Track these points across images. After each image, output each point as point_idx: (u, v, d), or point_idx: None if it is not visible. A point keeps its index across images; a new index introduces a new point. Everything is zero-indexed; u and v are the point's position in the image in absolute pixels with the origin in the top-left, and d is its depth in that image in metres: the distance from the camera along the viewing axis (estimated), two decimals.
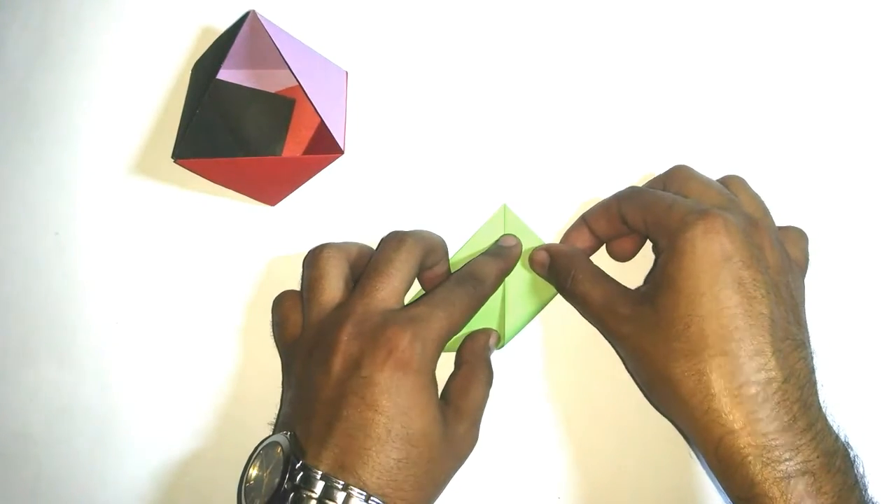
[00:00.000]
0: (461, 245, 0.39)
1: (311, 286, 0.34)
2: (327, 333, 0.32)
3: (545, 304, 0.38)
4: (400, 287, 0.33)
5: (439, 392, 0.33)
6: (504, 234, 0.39)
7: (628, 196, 0.35)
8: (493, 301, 0.38)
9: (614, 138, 0.41)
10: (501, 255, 0.37)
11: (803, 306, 0.33)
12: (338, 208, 0.41)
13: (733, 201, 0.33)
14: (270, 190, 0.41)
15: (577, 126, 0.41)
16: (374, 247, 0.37)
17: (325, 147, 0.40)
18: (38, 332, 0.42)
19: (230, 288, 0.41)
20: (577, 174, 0.40)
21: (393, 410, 0.30)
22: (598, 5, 0.42)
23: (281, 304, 0.37)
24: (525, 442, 0.38)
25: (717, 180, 0.35)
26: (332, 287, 0.34)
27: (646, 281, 0.36)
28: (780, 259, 0.31)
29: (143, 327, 0.41)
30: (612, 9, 0.42)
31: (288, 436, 0.31)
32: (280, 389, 0.37)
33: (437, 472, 0.31)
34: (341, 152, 0.39)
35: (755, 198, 0.34)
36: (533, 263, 0.38)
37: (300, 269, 0.40)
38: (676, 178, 0.35)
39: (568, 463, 0.37)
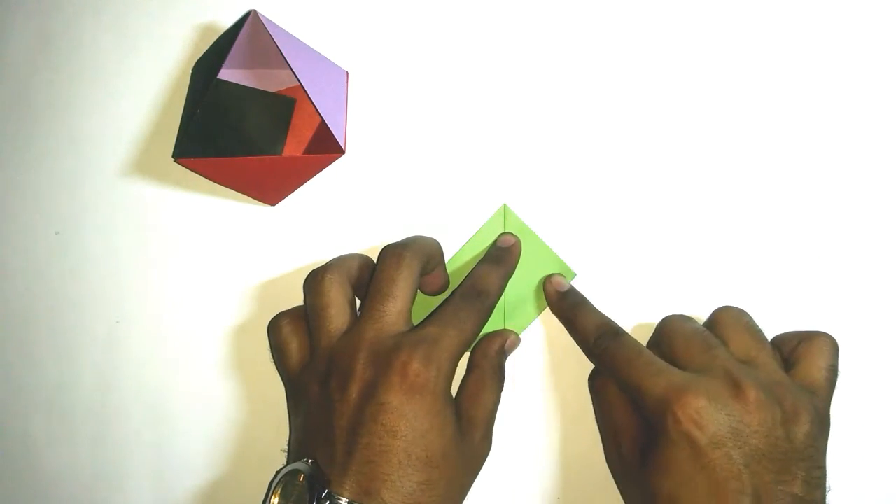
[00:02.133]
0: (461, 245, 0.39)
1: (317, 314, 0.34)
2: (341, 361, 0.32)
3: (546, 307, 0.38)
4: (406, 306, 0.33)
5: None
6: (502, 234, 0.39)
7: (610, 358, 0.34)
8: None
9: (614, 138, 0.41)
10: (502, 261, 0.37)
11: (818, 441, 0.30)
12: (338, 208, 0.41)
13: (716, 359, 0.31)
14: (271, 189, 0.41)
15: (577, 126, 0.41)
16: (372, 253, 0.37)
17: (325, 147, 0.40)
18: (38, 332, 0.42)
19: (230, 288, 0.41)
20: (577, 174, 0.40)
21: (412, 435, 0.30)
22: (597, 5, 0.42)
23: (278, 329, 0.36)
24: (525, 442, 0.38)
25: (709, 319, 0.35)
26: (340, 314, 0.33)
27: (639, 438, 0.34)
28: (768, 418, 0.30)
29: (143, 327, 0.41)
30: (612, 9, 0.42)
31: (310, 463, 0.30)
32: (284, 405, 0.37)
33: (458, 489, 0.32)
34: (342, 152, 0.39)
35: (746, 337, 0.33)
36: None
37: (300, 270, 0.40)
38: (664, 335, 0.35)
39: (568, 463, 0.37)
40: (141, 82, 0.44)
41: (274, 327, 0.36)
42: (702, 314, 0.38)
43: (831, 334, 0.34)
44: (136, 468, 0.40)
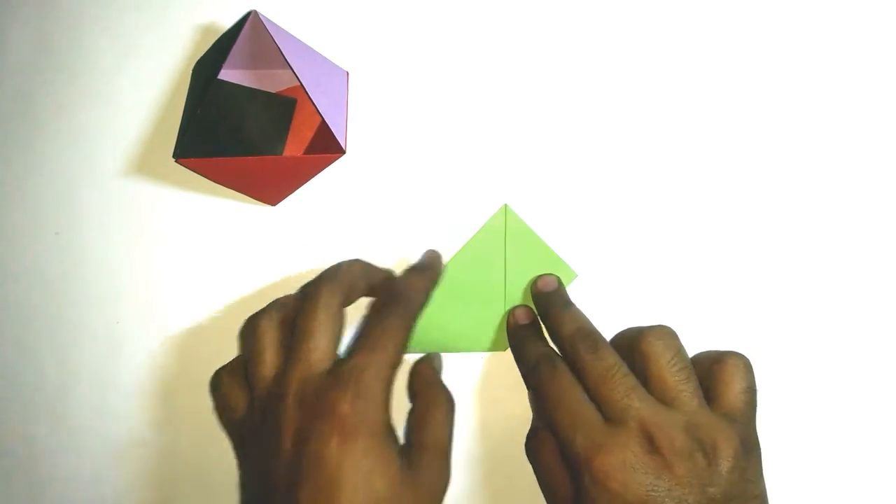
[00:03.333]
0: (462, 245, 0.39)
1: (252, 361, 0.32)
2: (270, 412, 0.30)
3: None
4: (330, 343, 0.31)
5: (400, 434, 0.32)
6: (427, 251, 0.38)
7: (543, 390, 0.33)
8: (494, 307, 0.38)
9: (615, 139, 0.41)
10: (427, 268, 0.36)
11: (748, 471, 0.30)
12: (339, 208, 0.41)
13: (630, 408, 0.30)
14: (271, 190, 0.41)
15: (577, 127, 0.41)
16: (372, 254, 0.36)
17: (326, 147, 0.40)
18: (38, 332, 0.42)
19: (231, 288, 0.41)
20: (577, 175, 0.40)
21: (352, 481, 0.28)
22: (597, 6, 0.42)
23: (218, 385, 0.33)
24: (522, 445, 0.38)
25: (635, 341, 0.33)
26: (274, 358, 0.31)
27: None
28: (689, 466, 0.29)
29: (143, 327, 0.41)
30: (612, 9, 0.42)
31: None
32: None
33: None
34: (342, 152, 0.39)
35: (666, 375, 0.31)
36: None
37: (301, 270, 0.40)
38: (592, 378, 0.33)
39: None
40: (141, 82, 0.44)
41: (213, 382, 0.34)
42: (702, 314, 0.38)
43: (741, 353, 0.33)
44: (136, 468, 0.40)
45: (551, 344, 0.36)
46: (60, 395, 0.41)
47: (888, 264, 0.39)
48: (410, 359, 0.36)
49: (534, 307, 0.38)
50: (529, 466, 0.34)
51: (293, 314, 0.32)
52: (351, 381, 0.29)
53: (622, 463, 0.29)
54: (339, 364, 0.30)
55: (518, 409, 0.38)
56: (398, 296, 0.33)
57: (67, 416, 0.40)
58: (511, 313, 0.38)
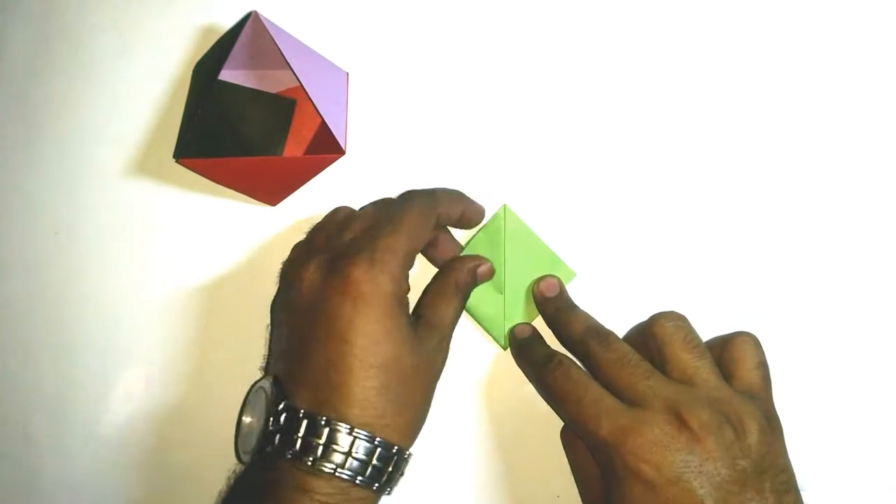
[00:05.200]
0: (462, 246, 0.39)
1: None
2: (293, 269, 0.33)
3: None
4: (347, 212, 0.35)
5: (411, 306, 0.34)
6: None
7: (557, 391, 0.33)
8: (495, 303, 0.38)
9: (614, 140, 0.41)
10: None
11: (774, 445, 0.30)
12: None
13: (654, 388, 0.30)
14: (271, 190, 0.41)
15: (577, 126, 0.41)
16: None
17: (326, 147, 0.40)
18: (38, 332, 0.42)
19: (231, 288, 0.41)
20: (576, 175, 0.40)
21: (362, 341, 0.30)
22: (597, 6, 0.42)
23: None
24: (525, 442, 0.38)
25: (647, 329, 0.34)
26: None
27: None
28: (719, 440, 0.29)
29: (143, 327, 0.41)
30: (612, 9, 0.42)
31: (271, 380, 0.31)
32: None
33: (416, 393, 0.32)
34: (342, 152, 0.40)
35: (683, 354, 0.32)
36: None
37: None
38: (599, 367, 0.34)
39: (567, 462, 0.37)
40: (141, 83, 0.44)
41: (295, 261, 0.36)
42: (701, 314, 0.38)
43: (749, 332, 0.33)
44: (136, 468, 0.40)
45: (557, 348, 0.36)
46: (60, 395, 0.41)
47: (888, 265, 0.39)
48: None
49: (533, 307, 0.38)
50: (528, 458, 0.35)
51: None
52: (367, 249, 0.31)
53: (652, 442, 0.29)
54: (360, 236, 0.33)
55: (517, 408, 0.38)
56: (424, 191, 0.36)
57: (67, 416, 0.40)
58: (511, 332, 0.38)
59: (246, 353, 0.40)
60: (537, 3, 0.43)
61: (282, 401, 0.30)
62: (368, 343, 0.30)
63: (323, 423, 0.29)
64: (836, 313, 0.38)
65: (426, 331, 0.33)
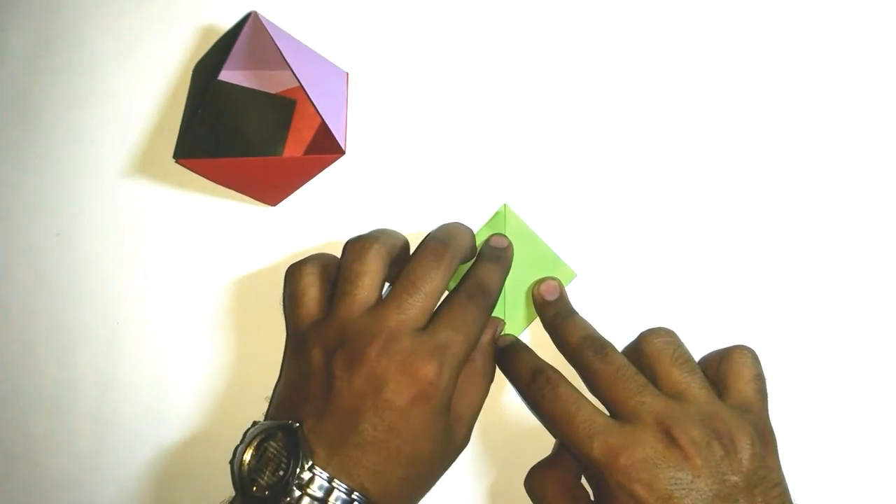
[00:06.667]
0: None
1: (349, 279, 0.33)
2: (356, 340, 0.31)
3: None
4: (431, 304, 0.33)
5: None
6: (493, 235, 0.38)
7: (547, 408, 0.33)
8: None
9: (614, 140, 0.41)
10: (501, 259, 0.37)
11: (766, 459, 0.30)
12: (339, 208, 0.41)
13: (644, 405, 0.31)
14: (271, 190, 0.41)
15: (577, 127, 0.41)
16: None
17: (326, 147, 0.40)
18: (39, 332, 0.42)
19: (231, 288, 0.41)
20: (577, 175, 0.40)
21: (407, 435, 0.31)
22: (597, 6, 0.42)
23: (300, 276, 0.35)
24: (525, 441, 0.38)
25: (636, 346, 0.34)
26: (372, 287, 0.33)
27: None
28: (708, 457, 0.29)
29: (143, 327, 0.41)
30: (612, 9, 0.42)
31: (297, 428, 0.30)
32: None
33: (432, 480, 0.34)
34: (342, 152, 0.40)
35: (674, 371, 0.32)
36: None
37: None
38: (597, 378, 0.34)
39: None
40: (141, 83, 0.44)
41: (295, 272, 0.35)
42: (702, 314, 0.38)
43: (747, 345, 0.34)
44: (136, 468, 0.40)
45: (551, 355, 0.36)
46: (60, 395, 0.41)
47: (887, 277, 0.39)
48: None
49: (533, 306, 0.38)
50: (528, 458, 0.34)
51: (399, 253, 0.35)
52: (439, 353, 0.31)
53: (643, 460, 0.29)
54: (428, 331, 0.32)
55: (517, 408, 0.38)
56: (485, 288, 0.35)
57: (67, 416, 0.41)
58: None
59: (246, 353, 0.40)
60: (537, 3, 0.43)
61: (309, 459, 0.30)
62: (411, 438, 0.31)
63: (343, 492, 0.29)
64: (838, 323, 0.38)
65: (455, 425, 0.33)
